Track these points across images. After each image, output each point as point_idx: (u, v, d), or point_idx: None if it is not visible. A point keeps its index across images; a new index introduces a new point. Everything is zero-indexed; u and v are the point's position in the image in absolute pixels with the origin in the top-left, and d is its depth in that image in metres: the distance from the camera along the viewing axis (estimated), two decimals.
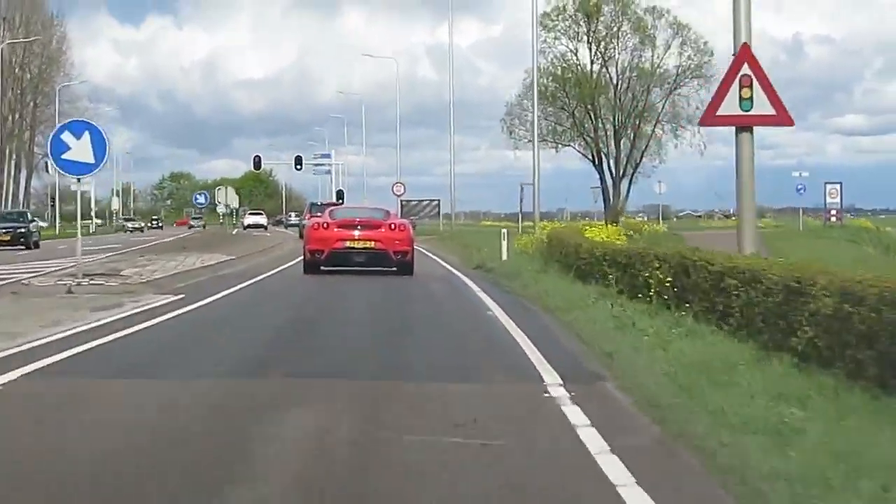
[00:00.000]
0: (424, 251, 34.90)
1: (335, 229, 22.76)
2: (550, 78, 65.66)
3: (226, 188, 50.24)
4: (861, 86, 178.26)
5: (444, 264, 28.58)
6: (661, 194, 62.19)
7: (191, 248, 32.79)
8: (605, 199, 65.00)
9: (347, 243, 22.58)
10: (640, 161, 65.62)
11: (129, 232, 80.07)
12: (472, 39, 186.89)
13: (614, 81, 64.81)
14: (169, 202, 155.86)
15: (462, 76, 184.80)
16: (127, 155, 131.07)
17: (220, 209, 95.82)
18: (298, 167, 79.98)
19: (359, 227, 22.73)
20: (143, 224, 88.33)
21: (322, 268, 22.45)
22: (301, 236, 47.78)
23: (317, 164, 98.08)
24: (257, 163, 78.94)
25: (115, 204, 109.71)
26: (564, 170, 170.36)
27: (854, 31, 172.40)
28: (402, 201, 70.37)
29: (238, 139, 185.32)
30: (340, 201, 76.19)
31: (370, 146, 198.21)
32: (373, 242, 22.55)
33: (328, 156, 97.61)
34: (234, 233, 56.93)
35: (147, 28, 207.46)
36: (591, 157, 65.25)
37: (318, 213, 55.90)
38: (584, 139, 64.54)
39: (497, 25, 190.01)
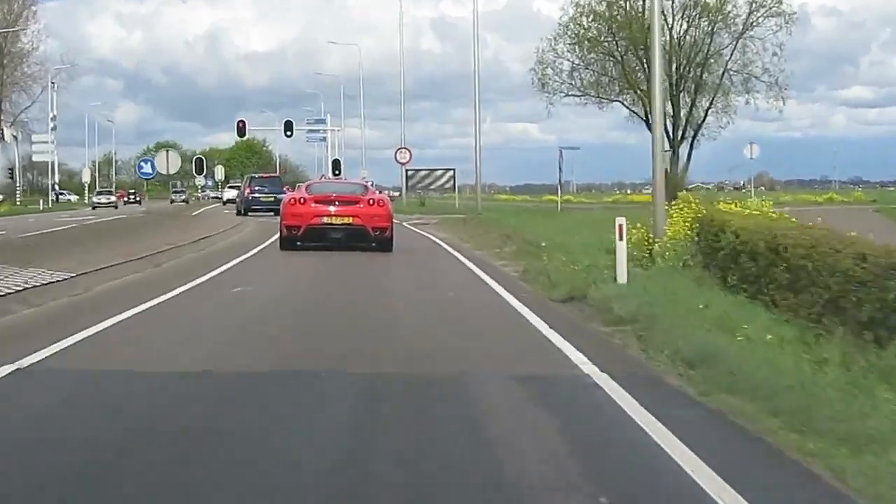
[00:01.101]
0: (445, 248, 25.19)
1: (312, 205, 22.24)
2: (591, 17, 51.61)
3: (166, 152, 38.25)
4: (867, 58, 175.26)
5: (502, 293, 14.61)
6: (754, 159, 47.93)
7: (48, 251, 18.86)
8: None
9: (324, 219, 22.08)
10: (704, 120, 51.74)
11: (95, 208, 72.37)
12: (477, 11, 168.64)
13: (670, 21, 50.88)
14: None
15: (466, 49, 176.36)
16: (109, 123, 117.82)
17: (199, 181, 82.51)
18: (289, 133, 70.72)
19: (336, 203, 22.29)
20: (114, 199, 75.03)
21: (299, 243, 22.15)
22: (239, 212, 45.95)
23: (310, 131, 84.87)
24: (241, 129, 69.28)
25: (87, 176, 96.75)
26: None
27: (861, 3, 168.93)
28: (407, 171, 56.34)
29: (241, 112, 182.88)
30: (338, 172, 68.40)
31: (375, 119, 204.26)
32: (350, 218, 22.04)
33: (323, 121, 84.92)
34: (194, 213, 43.81)
35: (150, 2, 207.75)
36: (642, 114, 51.35)
37: (259, 187, 49.84)
38: (634, 92, 50.46)
39: None
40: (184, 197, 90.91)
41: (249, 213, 45.93)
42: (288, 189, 39.79)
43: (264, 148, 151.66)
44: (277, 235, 23.72)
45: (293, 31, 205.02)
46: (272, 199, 46.22)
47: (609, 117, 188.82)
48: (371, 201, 22.52)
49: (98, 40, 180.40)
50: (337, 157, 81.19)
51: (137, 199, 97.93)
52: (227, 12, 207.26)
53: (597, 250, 17.37)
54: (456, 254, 22.34)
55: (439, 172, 60.48)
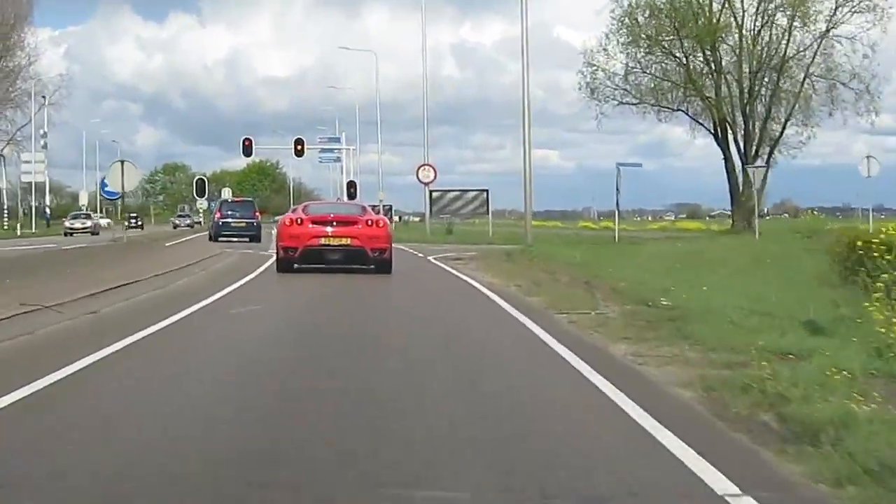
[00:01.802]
0: (506, 310, 14.70)
1: (309, 225, 22.17)
2: (647, 12, 43.12)
3: (121, 165, 30.66)
4: (890, 86, 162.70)
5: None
6: (870, 177, 38.62)
7: None
8: (733, 189, 42.38)
9: (322, 240, 21.96)
10: (782, 133, 42.95)
11: (70, 234, 64.00)
12: (497, 37, 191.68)
13: (740, 17, 42.73)
14: (161, 198, 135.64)
15: (485, 74, 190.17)
16: (114, 143, 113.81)
17: (201, 204, 74.86)
18: (300, 150, 64.55)
19: (334, 223, 22.24)
20: (93, 223, 66.23)
21: (296, 266, 22.19)
22: (210, 238, 44.19)
23: (323, 150, 76.89)
24: (247, 147, 63.45)
25: (83, 198, 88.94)
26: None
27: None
28: (431, 191, 47.84)
29: (261, 137, 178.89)
30: (353, 195, 65.02)
31: (395, 144, 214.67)
32: (349, 239, 21.98)
33: (337, 140, 76.31)
34: (171, 243, 35.64)
35: (170, 26, 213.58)
36: (711, 126, 42.46)
37: (230, 212, 46.74)
38: (702, 100, 41.72)
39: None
40: (188, 221, 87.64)
41: (220, 239, 43.86)
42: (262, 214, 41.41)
43: (277, 170, 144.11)
44: (251, 276, 22.11)
45: (312, 56, 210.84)
46: (243, 224, 45.83)
47: (627, 144, 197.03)
48: (369, 222, 22.54)
49: (119, 64, 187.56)
50: (352, 178, 73.59)
51: (139, 223, 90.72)
52: (247, 37, 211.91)
53: (781, 320, 10.54)
54: (535, 329, 11.93)
55: (471, 194, 52.16)
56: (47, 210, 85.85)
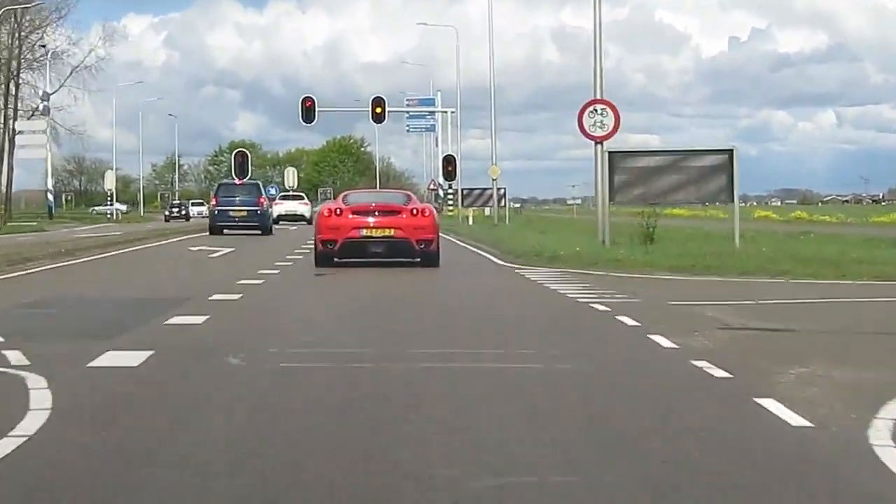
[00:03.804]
0: None
1: (349, 216, 21.36)
2: None
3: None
4: None
5: None
6: None
7: None
8: None
9: (363, 231, 21.22)
10: None
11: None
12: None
13: None
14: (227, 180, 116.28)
15: (586, 59, 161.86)
16: (171, 117, 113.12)
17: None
18: (379, 115, 50.15)
19: (375, 213, 21.48)
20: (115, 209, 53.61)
21: (336, 260, 21.46)
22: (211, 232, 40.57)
23: (412, 116, 58.02)
24: (308, 109, 49.23)
25: (109, 181, 71.16)
26: None
27: None
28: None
29: (360, 123, 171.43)
30: (451, 174, 55.79)
31: (496, 130, 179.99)
32: (392, 230, 21.19)
33: (431, 101, 56.43)
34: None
35: (270, 12, 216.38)
36: None
37: (227, 197, 41.01)
38: None
39: (623, 8, 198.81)
40: (185, 211, 76.65)
41: (225, 231, 38.50)
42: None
43: (362, 149, 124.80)
44: None
45: (411, 41, 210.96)
46: (244, 212, 39.47)
47: (728, 128, 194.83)
48: (414, 211, 21.59)
49: (218, 51, 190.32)
50: (451, 153, 58.29)
51: (184, 212, 79.04)
52: (346, 22, 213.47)
53: None
54: None
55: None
56: (50, 195, 68.15)
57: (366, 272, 19.30)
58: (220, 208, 40.46)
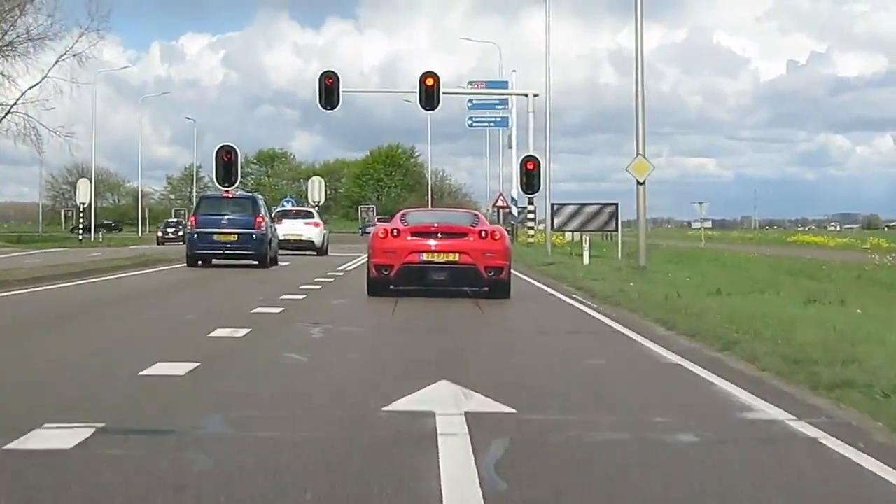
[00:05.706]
0: None
1: (408, 237, 19.68)
2: None
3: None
4: None
5: None
6: None
7: None
8: None
9: (423, 255, 19.56)
10: None
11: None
12: (655, 44, 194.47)
13: None
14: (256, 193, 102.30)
15: (644, 82, 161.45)
16: (190, 121, 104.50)
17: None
18: (430, 93, 37.15)
19: (438, 235, 19.67)
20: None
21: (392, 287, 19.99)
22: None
23: (476, 106, 43.13)
24: (329, 88, 37.98)
25: (83, 194, 56.92)
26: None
27: None
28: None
29: (419, 144, 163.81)
30: (532, 170, 42.15)
31: (552, 152, 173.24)
32: (457, 255, 19.47)
33: (503, 84, 40.88)
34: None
35: (328, 32, 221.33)
36: None
37: (210, 216, 31.96)
38: None
39: (681, 31, 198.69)
40: (181, 232, 59.61)
41: (210, 261, 30.57)
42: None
43: (411, 159, 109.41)
44: None
45: (470, 61, 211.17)
46: (234, 236, 30.13)
47: (787, 153, 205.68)
48: (483, 234, 19.78)
49: (276, 72, 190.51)
50: (532, 154, 44.06)
51: (180, 232, 62.29)
52: (404, 42, 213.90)
53: None
54: None
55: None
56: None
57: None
58: (200, 230, 30.75)
